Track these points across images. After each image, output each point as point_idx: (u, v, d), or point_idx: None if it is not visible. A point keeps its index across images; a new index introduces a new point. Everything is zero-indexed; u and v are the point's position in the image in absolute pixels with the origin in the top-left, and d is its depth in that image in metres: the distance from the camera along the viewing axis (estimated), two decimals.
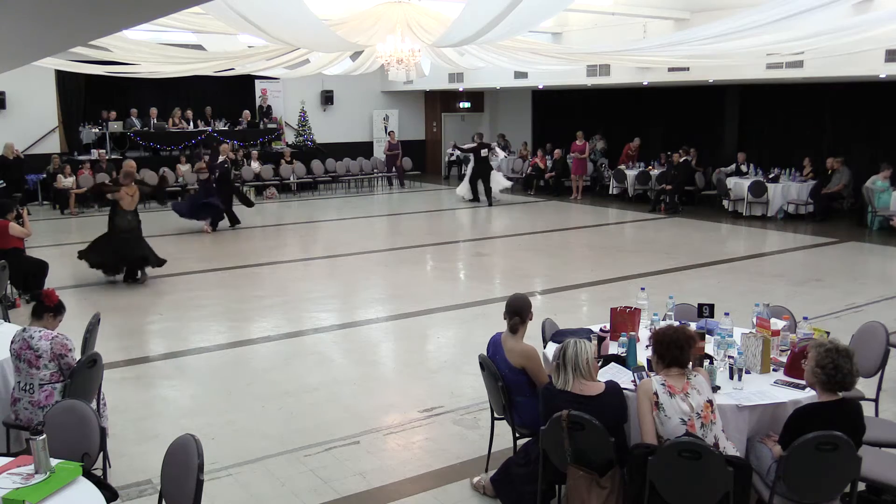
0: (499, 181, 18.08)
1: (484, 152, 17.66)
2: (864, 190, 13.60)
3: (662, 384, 3.81)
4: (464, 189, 18.03)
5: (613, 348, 4.75)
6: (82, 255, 10.06)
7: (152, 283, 10.12)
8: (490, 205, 17.34)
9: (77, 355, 4.88)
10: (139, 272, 10.20)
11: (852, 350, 3.79)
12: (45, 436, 3.35)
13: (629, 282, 9.72)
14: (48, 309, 4.83)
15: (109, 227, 10.04)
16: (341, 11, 11.47)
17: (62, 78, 17.33)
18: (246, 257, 11.89)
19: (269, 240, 14.12)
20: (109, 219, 10.09)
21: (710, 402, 3.80)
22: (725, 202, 15.68)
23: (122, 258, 9.97)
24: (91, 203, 16.80)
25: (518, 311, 4.64)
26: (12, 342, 4.75)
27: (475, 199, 17.74)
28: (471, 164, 17.98)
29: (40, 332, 4.71)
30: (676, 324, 4.44)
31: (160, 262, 10.19)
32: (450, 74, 19.09)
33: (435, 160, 23.42)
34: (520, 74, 17.00)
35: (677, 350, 3.83)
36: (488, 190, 17.56)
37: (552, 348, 4.80)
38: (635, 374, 4.16)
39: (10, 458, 3.53)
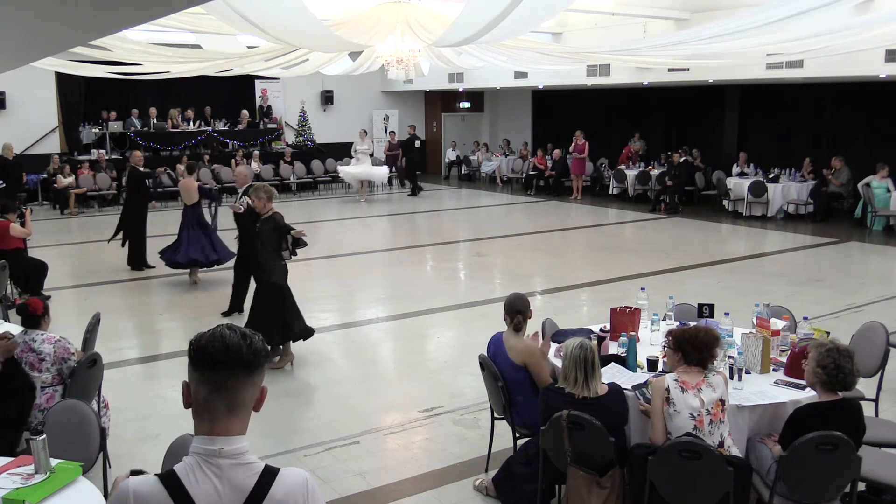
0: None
1: (417, 143, 19.01)
2: (863, 189, 13.58)
3: (675, 380, 3.81)
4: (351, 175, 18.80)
5: (613, 348, 4.75)
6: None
7: (153, 284, 10.10)
8: (416, 195, 18.76)
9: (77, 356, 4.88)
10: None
11: (853, 350, 3.79)
12: (45, 436, 3.35)
13: (629, 282, 9.71)
14: (46, 313, 4.83)
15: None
16: (341, 11, 11.45)
17: (62, 78, 17.29)
18: None
19: None
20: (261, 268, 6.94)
21: (722, 400, 3.79)
22: (725, 202, 15.69)
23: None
24: (90, 203, 16.90)
25: (521, 310, 4.67)
26: None
27: (414, 193, 18.90)
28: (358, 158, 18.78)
29: (43, 335, 4.73)
30: (695, 323, 4.44)
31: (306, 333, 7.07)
32: (450, 74, 19.07)
33: (435, 160, 23.40)
34: (520, 74, 16.99)
35: (707, 352, 3.85)
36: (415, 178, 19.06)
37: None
38: (638, 393, 4.11)
39: (10, 458, 3.53)
